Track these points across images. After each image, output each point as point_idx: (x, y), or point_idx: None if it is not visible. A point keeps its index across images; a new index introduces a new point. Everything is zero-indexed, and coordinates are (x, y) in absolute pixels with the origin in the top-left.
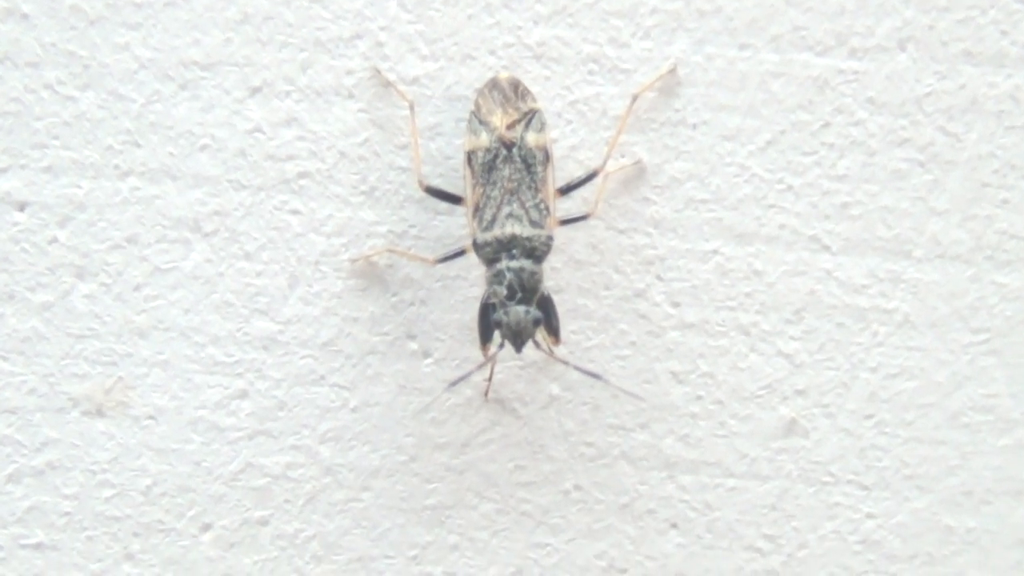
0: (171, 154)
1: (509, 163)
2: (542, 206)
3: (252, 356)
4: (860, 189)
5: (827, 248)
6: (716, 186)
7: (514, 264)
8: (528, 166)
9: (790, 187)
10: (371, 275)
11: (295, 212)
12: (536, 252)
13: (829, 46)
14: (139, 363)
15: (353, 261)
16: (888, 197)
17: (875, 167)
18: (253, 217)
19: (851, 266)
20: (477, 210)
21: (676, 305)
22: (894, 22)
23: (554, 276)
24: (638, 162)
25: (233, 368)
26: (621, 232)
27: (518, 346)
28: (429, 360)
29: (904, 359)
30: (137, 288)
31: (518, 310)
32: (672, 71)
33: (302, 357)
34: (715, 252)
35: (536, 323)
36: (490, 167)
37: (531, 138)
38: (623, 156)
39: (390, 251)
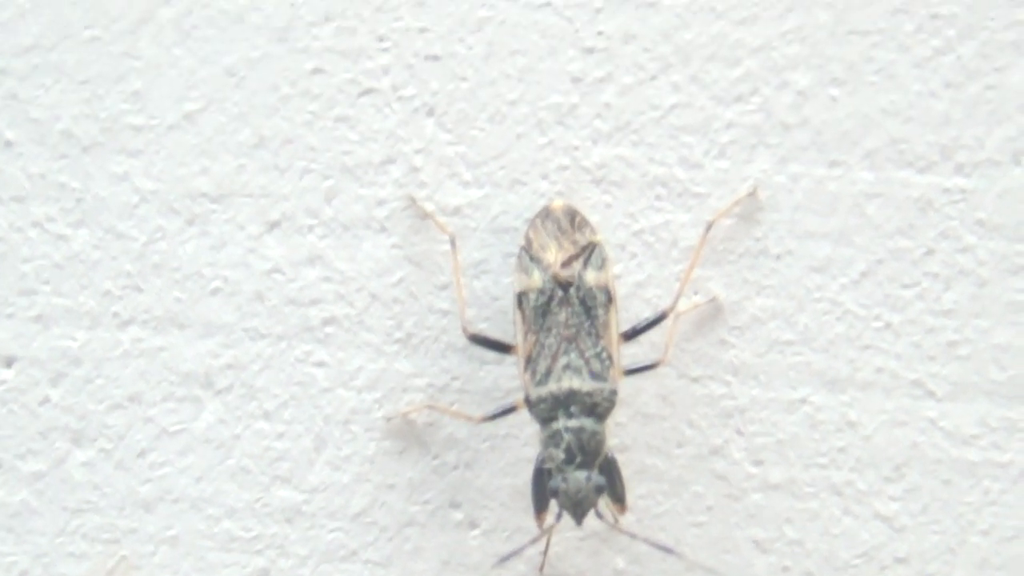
0: (178, 299)
1: (566, 306)
2: (604, 355)
3: (274, 530)
4: (969, 325)
5: (932, 394)
6: (804, 325)
7: (573, 423)
8: (587, 309)
9: (888, 325)
10: (409, 435)
11: (321, 364)
12: (598, 409)
13: (932, 161)
14: (145, 540)
15: (388, 419)
16: (1002, 334)
17: (986, 300)
18: (273, 370)
19: (959, 414)
20: (530, 361)
21: (759, 463)
22: (1007, 131)
23: (619, 433)
24: (714, 300)
25: (252, 544)
26: (695, 380)
27: (578, 517)
28: (476, 531)
29: (1021, 519)
30: (141, 454)
31: (578, 476)
32: (752, 194)
33: (331, 530)
34: (803, 401)
35: (599, 491)
36: (544, 311)
37: (591, 276)
38: (696, 293)
39: (430, 407)
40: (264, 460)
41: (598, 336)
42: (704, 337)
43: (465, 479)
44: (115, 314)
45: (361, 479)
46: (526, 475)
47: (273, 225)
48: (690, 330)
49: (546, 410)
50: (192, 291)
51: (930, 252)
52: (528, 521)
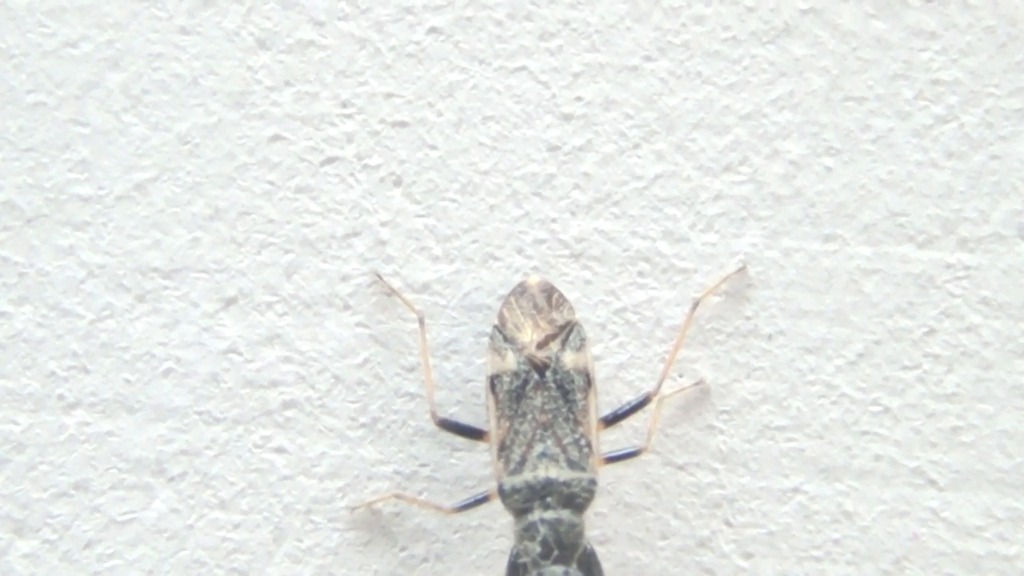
0: (127, 381)
1: (542, 390)
2: (583, 442)
3: None
4: (973, 410)
5: (933, 483)
6: (797, 410)
7: (549, 515)
8: (565, 393)
9: (887, 409)
10: (374, 526)
11: (280, 450)
12: (576, 500)
13: (934, 236)
14: None
15: (352, 509)
16: (1007, 419)
17: (991, 383)
18: (229, 457)
19: (963, 504)
20: (503, 448)
21: (749, 556)
22: (1013, 204)
23: (599, 524)
24: (700, 382)
25: None
26: (681, 468)
27: None
28: None
29: None
30: (88, 545)
31: (555, 572)
32: (741, 270)
33: None
34: (796, 490)
35: None
36: (519, 395)
37: (568, 358)
38: (682, 376)
39: (397, 497)
40: (220, 552)
41: (576, 422)
42: (690, 422)
43: (435, 572)
44: (60, 396)
45: (324, 572)
46: (500, 568)
47: (229, 302)
48: (675, 415)
49: (520, 501)
50: (143, 372)
51: (931, 332)
52: None
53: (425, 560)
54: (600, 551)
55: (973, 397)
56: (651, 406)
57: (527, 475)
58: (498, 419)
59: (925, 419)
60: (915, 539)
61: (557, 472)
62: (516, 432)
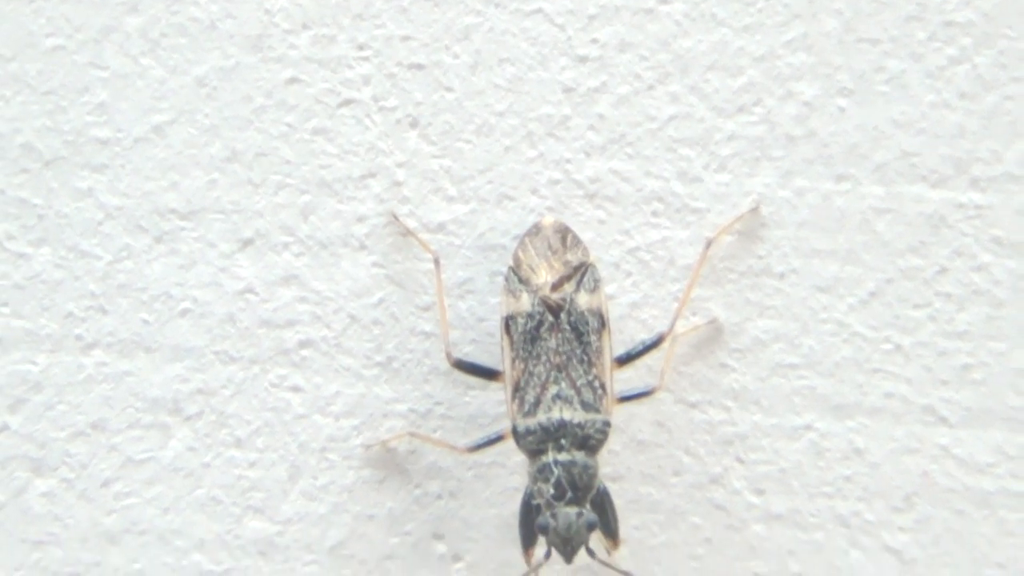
0: (145, 321)
1: (556, 332)
2: (596, 384)
3: (246, 563)
4: (984, 348)
5: (944, 420)
6: (809, 348)
7: (563, 457)
8: (579, 335)
9: (899, 348)
10: (389, 464)
11: (296, 389)
12: (590, 442)
13: (946, 175)
14: (109, 574)
15: (367, 447)
16: (1018, 357)
17: (1002, 321)
18: (245, 396)
19: (974, 441)
20: (517, 389)
21: (760, 493)
22: None
23: (612, 461)
24: (713, 321)
25: None
26: (693, 406)
27: (568, 556)
28: (460, 565)
29: None
30: (105, 484)
31: (568, 513)
32: (754, 210)
33: (306, 563)
34: (808, 428)
35: (590, 528)
36: (533, 337)
37: (583, 300)
38: (695, 314)
39: (412, 435)
40: (235, 490)
41: (590, 363)
42: (703, 361)
43: (449, 510)
44: (78, 337)
45: (338, 510)
46: (513, 505)
47: (246, 243)
48: (688, 353)
49: (535, 442)
50: (160, 313)
51: (943, 271)
52: (515, 554)
53: (439, 497)
54: (612, 488)
55: (984, 335)
56: (664, 345)
57: (541, 417)
58: (512, 360)
59: (936, 357)
60: (926, 476)
61: (571, 414)
62: (530, 374)
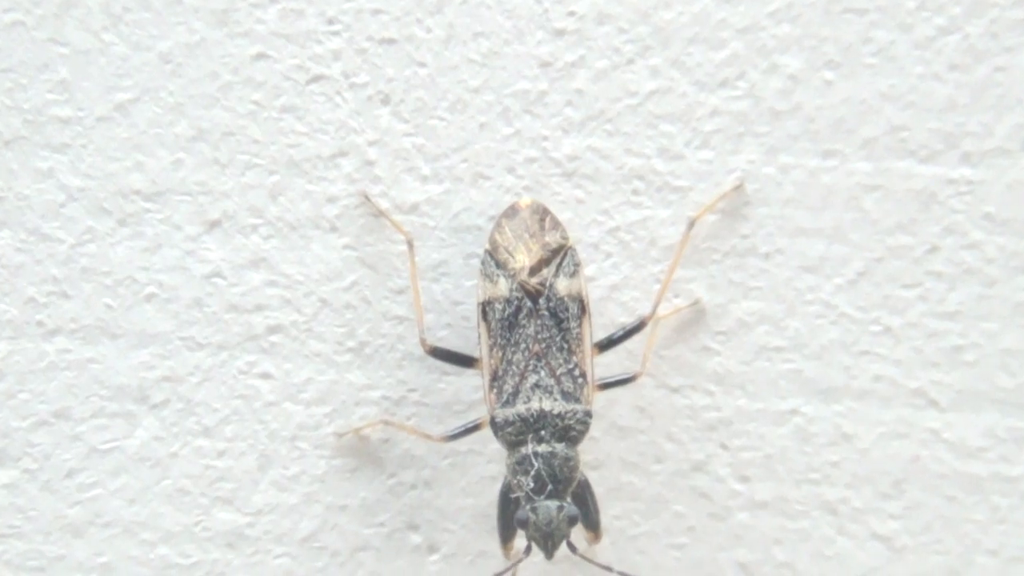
0: (109, 307)
1: (535, 318)
2: (577, 372)
3: (214, 556)
4: (976, 329)
5: (935, 403)
6: (794, 330)
7: (543, 449)
8: (559, 321)
9: (887, 329)
10: (362, 453)
11: (265, 376)
12: (571, 433)
13: (936, 150)
14: (73, 567)
15: (339, 436)
16: (1011, 338)
17: (994, 301)
18: (213, 383)
19: (965, 425)
20: (495, 379)
21: (745, 480)
22: (1017, 118)
23: (592, 448)
24: (696, 303)
25: (191, 572)
26: (676, 391)
27: (548, 550)
28: (436, 556)
29: None
30: (69, 474)
31: (548, 507)
32: (738, 188)
33: (277, 556)
34: (794, 412)
35: (571, 523)
36: (511, 323)
37: (562, 285)
38: (677, 296)
39: (385, 423)
40: (204, 480)
41: (570, 351)
42: (686, 344)
43: (424, 499)
44: (40, 323)
45: (310, 500)
46: (490, 495)
47: (213, 225)
48: (670, 336)
49: (513, 434)
50: (124, 297)
51: (933, 249)
52: (493, 545)
53: (414, 487)
54: (593, 476)
55: (975, 315)
56: (646, 328)
57: (520, 407)
58: (490, 348)
59: (926, 338)
60: (916, 461)
61: (551, 404)
62: (509, 362)
